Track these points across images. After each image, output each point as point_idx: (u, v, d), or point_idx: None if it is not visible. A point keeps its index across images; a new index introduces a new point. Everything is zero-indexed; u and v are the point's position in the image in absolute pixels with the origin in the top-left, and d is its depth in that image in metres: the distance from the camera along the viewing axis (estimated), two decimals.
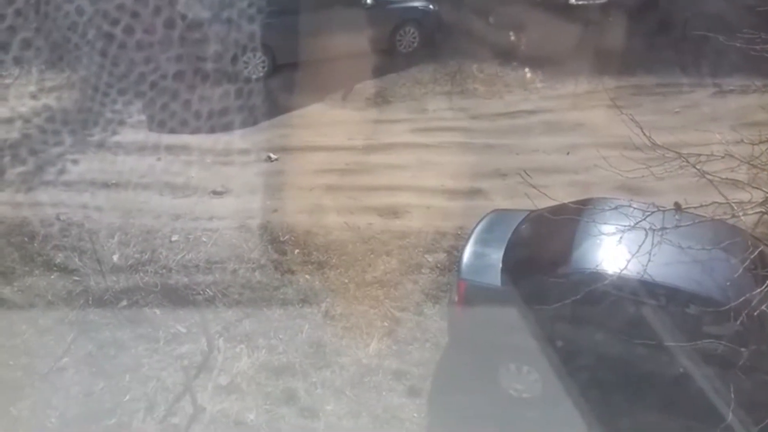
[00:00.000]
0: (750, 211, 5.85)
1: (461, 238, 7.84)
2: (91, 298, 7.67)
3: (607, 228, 6.09)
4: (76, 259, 8.03)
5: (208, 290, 7.69)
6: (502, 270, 6.61)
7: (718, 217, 6.02)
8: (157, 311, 7.54)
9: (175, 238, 8.30)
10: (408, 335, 7.29)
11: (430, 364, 7.05)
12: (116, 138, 9.91)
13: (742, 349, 5.60)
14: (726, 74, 10.21)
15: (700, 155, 6.05)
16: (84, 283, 7.80)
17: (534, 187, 6.53)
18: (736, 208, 5.85)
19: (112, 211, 8.71)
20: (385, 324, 7.39)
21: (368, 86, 10.98)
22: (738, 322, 5.50)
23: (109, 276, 7.81)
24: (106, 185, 9.10)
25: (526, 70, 11.30)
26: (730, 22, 9.11)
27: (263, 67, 10.90)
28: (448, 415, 6.64)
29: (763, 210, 5.84)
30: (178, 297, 7.65)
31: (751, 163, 5.98)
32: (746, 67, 9.02)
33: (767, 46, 6.44)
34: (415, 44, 11.62)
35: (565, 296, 5.88)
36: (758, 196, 5.90)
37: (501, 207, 7.88)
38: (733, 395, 5.44)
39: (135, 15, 9.68)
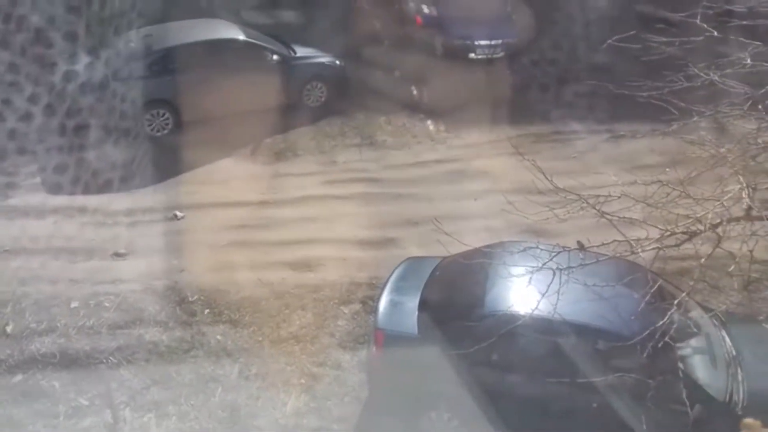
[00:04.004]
0: (647, 248, 6.11)
1: (376, 287, 7.80)
2: None
3: (517, 270, 6.23)
4: None
5: (111, 358, 7.26)
6: (419, 317, 6.61)
7: (618, 255, 6.24)
8: (56, 384, 7.04)
9: (74, 304, 7.85)
10: (327, 390, 7.10)
11: (351, 419, 6.87)
12: (9, 202, 9.40)
13: (650, 381, 5.77)
14: (617, 120, 10.82)
15: (598, 196, 6.31)
16: None
17: (446, 233, 6.62)
18: (634, 245, 6.10)
19: (5, 279, 8.17)
20: (302, 381, 7.18)
21: (277, 140, 10.96)
22: (644, 355, 5.69)
23: (2, 349, 7.27)
24: None
25: (433, 121, 11.61)
26: (618, 71, 9.73)
27: (167, 124, 10.70)
28: None
29: (659, 246, 6.12)
30: (78, 367, 7.18)
31: (646, 202, 6.28)
32: (635, 113, 9.55)
33: (653, 93, 6.85)
34: (323, 98, 11.75)
35: (481, 340, 5.93)
36: (654, 233, 6.18)
37: (414, 255, 7.92)
38: (645, 426, 5.57)
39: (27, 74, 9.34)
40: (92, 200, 9.41)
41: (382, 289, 7.08)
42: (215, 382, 7.13)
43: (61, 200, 9.46)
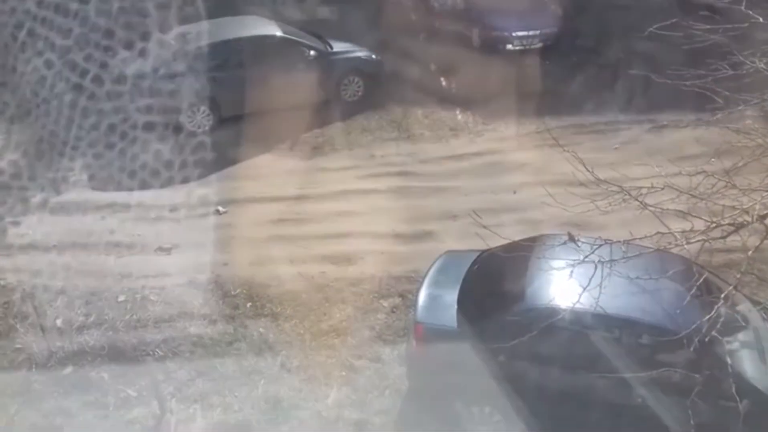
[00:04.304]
0: (693, 240, 6.00)
1: (415, 281, 7.81)
2: (34, 366, 7.32)
3: (557, 263, 6.17)
4: (17, 326, 7.69)
5: (158, 350, 7.43)
6: (458, 311, 6.61)
7: (663, 248, 6.15)
8: (105, 375, 7.23)
9: (121, 298, 8.05)
10: (367, 383, 7.15)
11: (391, 412, 6.91)
12: (58, 198, 9.66)
13: (697, 376, 5.68)
14: (660, 110, 10.60)
15: (641, 188, 6.22)
16: (27, 351, 7.45)
17: (484, 227, 6.60)
18: (679, 237, 6.00)
19: (54, 274, 8.41)
20: (343, 373, 7.25)
21: (315, 135, 11.03)
22: (691, 349, 5.60)
23: (52, 341, 7.49)
24: (47, 247, 8.80)
25: (470, 113, 11.53)
26: (660, 60, 9.53)
27: (208, 121, 10.86)
28: None
29: (705, 238, 6.00)
30: (126, 359, 7.37)
31: (690, 193, 6.17)
32: (678, 102, 9.39)
33: (696, 82, 6.72)
34: (360, 93, 11.77)
35: (521, 333, 5.89)
36: (699, 224, 6.07)
37: (453, 248, 7.91)
38: (692, 422, 5.49)
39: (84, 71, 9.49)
40: (136, 196, 9.59)
41: (421, 282, 7.09)
42: (258, 375, 7.24)
43: (106, 196, 9.68)
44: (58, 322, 7.77)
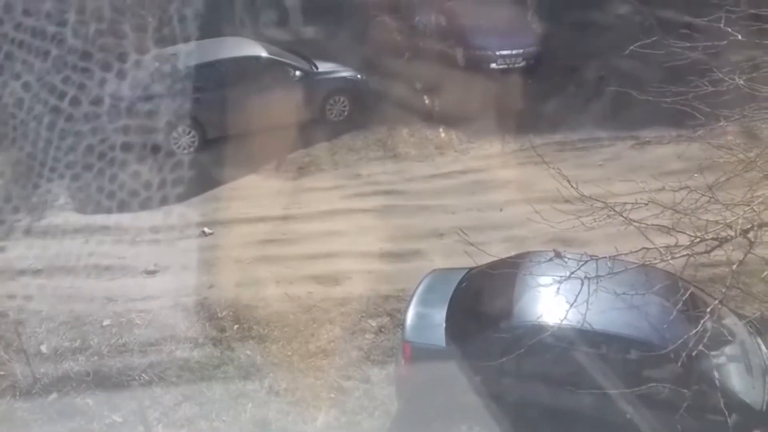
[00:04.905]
0: (677, 255, 6.05)
1: (403, 300, 7.80)
2: (18, 393, 7.21)
3: (544, 280, 6.20)
4: (1, 352, 7.58)
5: (143, 375, 7.34)
6: (446, 329, 6.60)
7: (648, 263, 6.18)
8: (90, 401, 7.13)
9: (107, 322, 7.96)
10: (356, 405, 7.10)
11: None
12: (43, 222, 9.58)
13: (685, 391, 5.69)
14: (642, 127, 10.74)
15: (625, 204, 6.27)
16: (10, 378, 7.34)
17: (472, 244, 6.61)
18: (663, 252, 6.05)
19: (39, 299, 8.32)
20: (332, 395, 7.19)
21: (301, 155, 11.04)
22: (678, 365, 5.62)
23: (37, 367, 7.38)
24: (31, 272, 8.71)
25: (455, 132, 11.60)
26: (641, 77, 9.65)
27: (193, 142, 10.86)
28: None
29: (689, 253, 6.05)
30: (112, 384, 7.27)
31: (674, 208, 6.23)
32: (660, 119, 9.52)
33: (677, 99, 6.81)
34: (346, 112, 11.81)
35: (509, 351, 5.90)
36: (683, 239, 6.12)
37: (440, 266, 7.91)
38: None
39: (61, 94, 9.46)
40: (120, 218, 9.53)
41: (409, 301, 7.08)
42: (245, 398, 7.16)
43: (89, 219, 9.61)
44: (43, 348, 7.67)
